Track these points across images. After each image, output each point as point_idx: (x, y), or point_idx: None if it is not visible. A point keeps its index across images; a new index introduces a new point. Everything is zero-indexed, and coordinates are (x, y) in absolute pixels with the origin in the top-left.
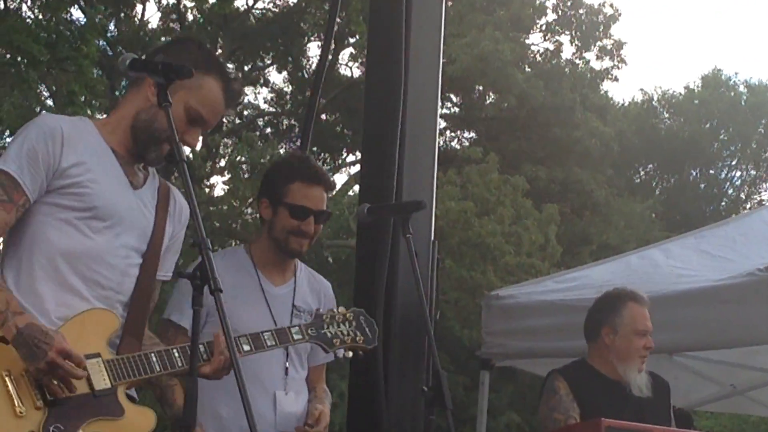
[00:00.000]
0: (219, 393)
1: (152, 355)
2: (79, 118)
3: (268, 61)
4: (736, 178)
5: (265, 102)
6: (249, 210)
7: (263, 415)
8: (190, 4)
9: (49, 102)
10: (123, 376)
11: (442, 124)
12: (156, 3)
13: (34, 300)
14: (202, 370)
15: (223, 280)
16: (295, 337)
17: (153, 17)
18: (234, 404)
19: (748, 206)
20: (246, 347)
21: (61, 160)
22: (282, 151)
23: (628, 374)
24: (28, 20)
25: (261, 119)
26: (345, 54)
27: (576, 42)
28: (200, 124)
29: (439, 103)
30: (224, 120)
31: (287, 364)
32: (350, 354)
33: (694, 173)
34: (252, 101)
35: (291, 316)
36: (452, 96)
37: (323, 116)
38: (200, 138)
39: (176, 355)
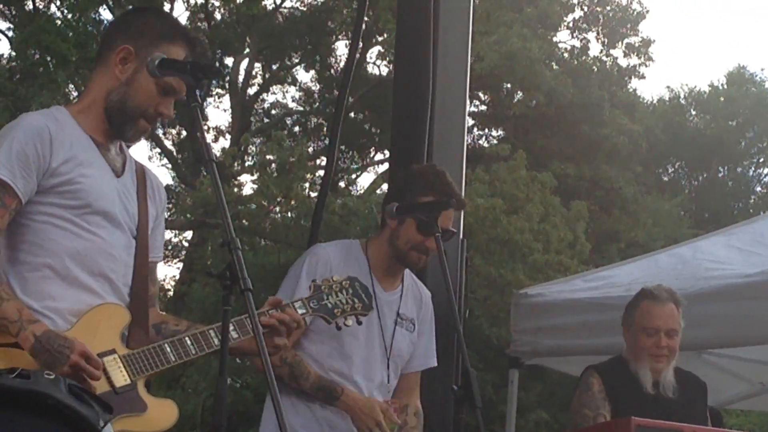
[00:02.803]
0: None
1: (166, 345)
2: (56, 109)
3: (296, 60)
4: (764, 175)
5: (293, 101)
6: (278, 209)
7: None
8: (218, 4)
9: None
10: (141, 370)
11: (470, 122)
12: (184, 2)
13: (47, 302)
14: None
15: (338, 271)
16: (300, 311)
17: (181, 16)
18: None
19: None
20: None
21: (51, 160)
22: (310, 149)
23: (639, 373)
24: (57, 21)
25: (289, 118)
26: (373, 52)
27: (602, 39)
28: (172, 93)
29: (467, 101)
30: (252, 119)
31: (389, 372)
32: (350, 322)
33: (722, 171)
34: (280, 100)
35: (395, 324)
36: (480, 94)
37: (351, 114)
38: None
39: (188, 342)
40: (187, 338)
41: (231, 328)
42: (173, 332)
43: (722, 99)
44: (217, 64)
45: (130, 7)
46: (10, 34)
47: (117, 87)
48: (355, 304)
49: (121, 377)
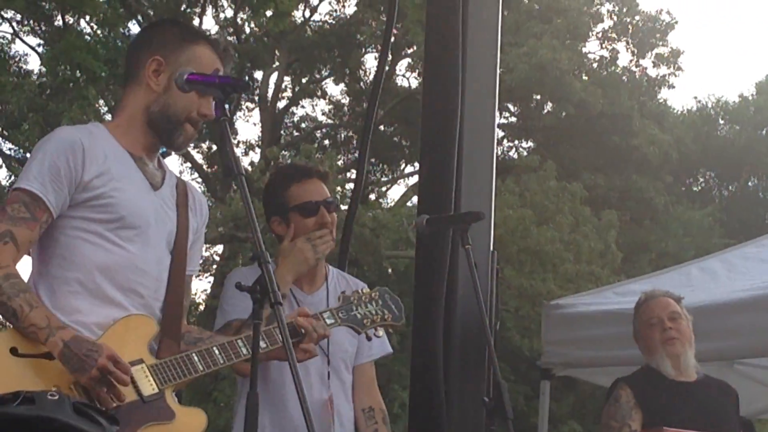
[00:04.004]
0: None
1: (194, 355)
2: (93, 125)
3: (326, 73)
4: None
5: (322, 114)
6: None
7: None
8: (246, 17)
9: (108, 117)
10: (169, 379)
11: (499, 133)
12: (213, 17)
13: (73, 315)
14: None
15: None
16: (328, 321)
17: (210, 31)
18: (276, 413)
19: None
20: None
21: (83, 173)
22: (340, 162)
23: (659, 365)
24: (87, 36)
25: (319, 131)
26: (402, 64)
27: (632, 49)
28: (209, 93)
29: (497, 113)
30: (281, 132)
31: (329, 369)
32: (380, 333)
33: (753, 180)
34: (310, 113)
35: None
36: (510, 105)
37: (381, 127)
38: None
39: (216, 352)
40: (215, 348)
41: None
42: (195, 339)
43: (752, 109)
44: (247, 77)
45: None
46: (41, 50)
47: (155, 98)
48: (385, 314)
49: (148, 386)
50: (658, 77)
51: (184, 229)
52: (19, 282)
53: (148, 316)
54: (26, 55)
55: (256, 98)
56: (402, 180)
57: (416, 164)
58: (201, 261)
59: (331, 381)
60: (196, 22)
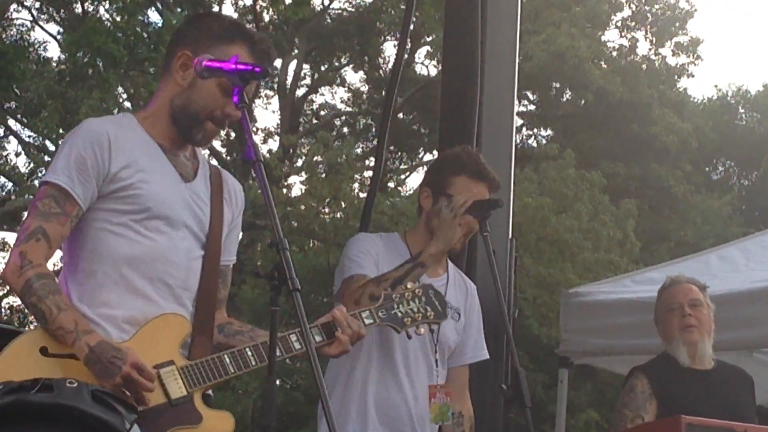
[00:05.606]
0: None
1: (225, 356)
2: (122, 115)
3: (345, 61)
4: None
5: (341, 102)
6: (327, 210)
7: (403, 410)
8: (265, 4)
9: (127, 104)
10: (198, 381)
11: (518, 121)
12: (232, 4)
13: (101, 308)
14: (328, 351)
15: (383, 261)
16: (366, 321)
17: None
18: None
19: None
20: (318, 338)
21: (110, 165)
22: (359, 150)
23: (675, 352)
24: (107, 22)
25: (338, 119)
26: (421, 52)
27: (651, 38)
28: None
29: (516, 101)
30: (300, 120)
31: (437, 357)
32: (422, 331)
33: None
34: (329, 101)
35: None
36: (529, 93)
37: (400, 115)
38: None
39: (249, 354)
40: (247, 349)
41: (316, 332)
42: (236, 332)
43: None
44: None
45: (179, 9)
46: (60, 37)
47: (180, 92)
48: (427, 312)
49: (177, 389)
50: (678, 66)
51: (219, 222)
52: (50, 282)
53: (181, 315)
54: (46, 42)
55: (275, 86)
56: (421, 168)
57: (435, 152)
58: None
59: (438, 369)
60: (215, 9)
